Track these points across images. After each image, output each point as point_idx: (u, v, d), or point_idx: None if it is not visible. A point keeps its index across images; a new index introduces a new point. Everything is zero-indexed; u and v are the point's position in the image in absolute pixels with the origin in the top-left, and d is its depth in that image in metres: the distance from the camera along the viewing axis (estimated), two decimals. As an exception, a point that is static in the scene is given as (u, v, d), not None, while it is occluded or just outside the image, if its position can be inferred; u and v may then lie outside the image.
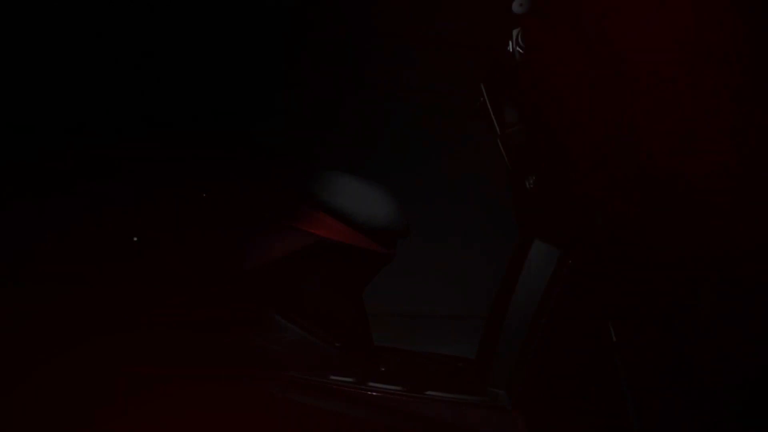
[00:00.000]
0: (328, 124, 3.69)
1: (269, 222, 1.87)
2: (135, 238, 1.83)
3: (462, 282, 3.52)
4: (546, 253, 1.72)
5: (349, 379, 1.81)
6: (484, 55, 1.85)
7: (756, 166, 1.66)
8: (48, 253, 1.82)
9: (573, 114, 1.70)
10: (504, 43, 1.73)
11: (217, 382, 1.79)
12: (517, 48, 1.70)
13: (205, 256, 1.86)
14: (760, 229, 1.65)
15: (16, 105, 2.84)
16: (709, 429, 1.64)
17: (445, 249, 3.61)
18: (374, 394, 1.78)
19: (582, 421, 1.69)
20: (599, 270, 1.69)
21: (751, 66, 1.68)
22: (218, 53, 3.57)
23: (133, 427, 1.77)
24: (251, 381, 1.79)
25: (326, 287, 1.90)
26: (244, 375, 1.80)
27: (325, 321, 1.88)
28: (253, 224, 1.88)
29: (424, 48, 3.58)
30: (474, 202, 3.53)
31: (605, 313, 1.68)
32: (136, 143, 1.91)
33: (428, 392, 1.77)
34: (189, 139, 1.98)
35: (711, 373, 1.65)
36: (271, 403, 1.78)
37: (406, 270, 2.75)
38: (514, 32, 1.70)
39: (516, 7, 1.67)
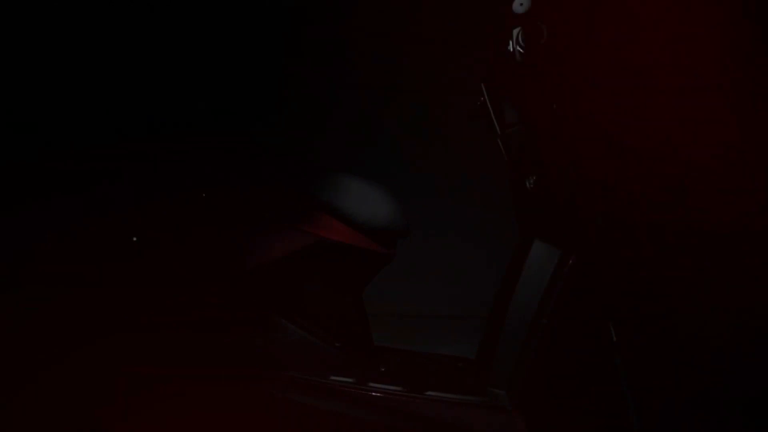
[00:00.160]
0: (328, 124, 3.68)
1: (270, 222, 1.87)
2: (135, 238, 1.83)
3: (462, 282, 3.51)
4: (546, 253, 1.73)
5: (349, 379, 1.81)
6: (485, 55, 1.85)
7: (757, 158, 1.67)
8: (48, 254, 1.82)
9: (573, 113, 1.70)
10: (504, 43, 1.73)
11: (218, 382, 1.79)
12: (518, 47, 1.70)
13: (206, 257, 1.86)
14: (760, 220, 1.65)
15: (17, 105, 2.84)
16: (709, 429, 1.64)
17: (445, 249, 3.60)
18: (374, 394, 1.78)
19: (582, 421, 1.70)
20: (599, 270, 1.69)
21: (750, 62, 1.68)
22: (218, 53, 3.57)
23: (133, 427, 1.77)
24: (251, 381, 1.79)
25: (326, 287, 1.90)
26: (244, 375, 1.80)
27: (325, 321, 1.88)
28: (253, 224, 1.88)
29: (424, 48, 3.58)
30: (474, 202, 3.52)
31: (605, 313, 1.68)
32: (136, 143, 1.91)
33: (428, 392, 1.77)
34: (189, 139, 1.98)
35: (711, 373, 1.65)
36: (271, 403, 1.78)
37: (406, 270, 2.75)
38: (515, 32, 1.70)
39: (516, 7, 1.67)
